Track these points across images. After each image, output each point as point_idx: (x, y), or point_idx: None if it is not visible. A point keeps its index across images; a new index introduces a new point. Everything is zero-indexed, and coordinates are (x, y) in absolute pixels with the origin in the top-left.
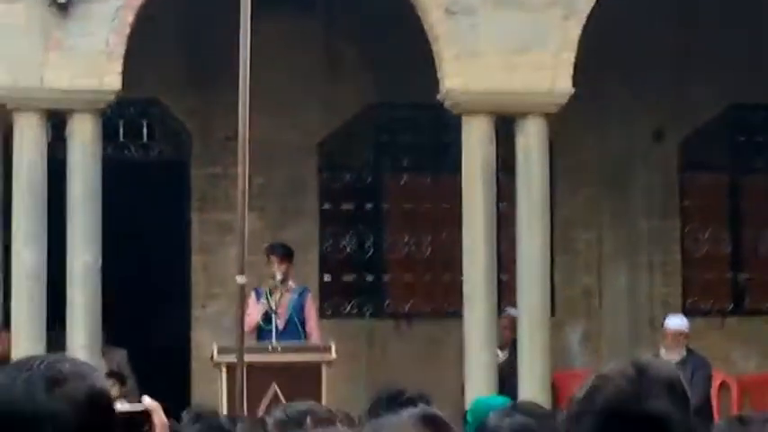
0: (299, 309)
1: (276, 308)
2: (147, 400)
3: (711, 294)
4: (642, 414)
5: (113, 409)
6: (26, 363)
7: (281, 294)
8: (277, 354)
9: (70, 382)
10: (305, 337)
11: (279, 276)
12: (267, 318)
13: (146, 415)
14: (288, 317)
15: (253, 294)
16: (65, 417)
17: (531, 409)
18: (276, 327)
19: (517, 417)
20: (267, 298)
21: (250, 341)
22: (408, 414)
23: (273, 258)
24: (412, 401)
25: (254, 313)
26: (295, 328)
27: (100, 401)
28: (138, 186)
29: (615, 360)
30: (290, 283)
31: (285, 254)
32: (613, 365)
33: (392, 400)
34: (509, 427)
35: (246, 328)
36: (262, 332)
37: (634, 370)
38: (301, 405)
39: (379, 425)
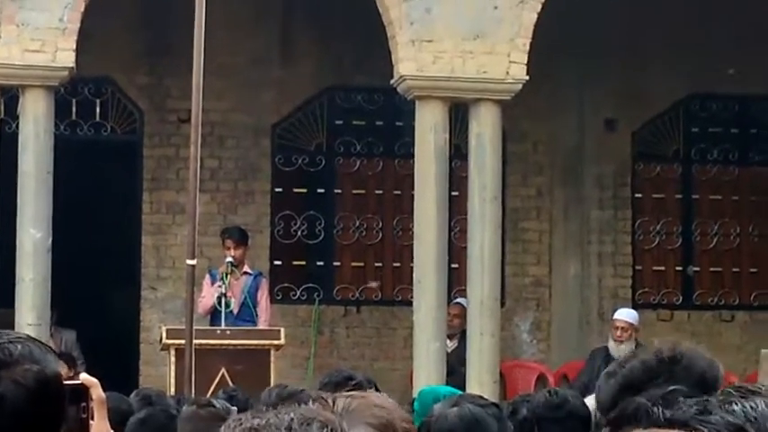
0: (254, 293)
1: (230, 291)
2: (85, 376)
3: (661, 287)
4: (653, 395)
5: (64, 394)
6: None
7: (237, 278)
8: (226, 337)
9: (20, 363)
10: (256, 321)
11: (230, 260)
12: (221, 301)
13: (84, 390)
14: (242, 300)
15: (207, 277)
16: (12, 399)
17: (477, 401)
18: (230, 310)
19: (465, 406)
20: (223, 281)
21: (203, 324)
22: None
23: (229, 242)
24: (360, 387)
25: (208, 296)
26: (249, 311)
27: (50, 386)
28: (89, 165)
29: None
30: (246, 267)
31: (240, 238)
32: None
33: (340, 385)
34: (458, 415)
35: (201, 311)
36: (215, 315)
37: (669, 353)
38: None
39: None
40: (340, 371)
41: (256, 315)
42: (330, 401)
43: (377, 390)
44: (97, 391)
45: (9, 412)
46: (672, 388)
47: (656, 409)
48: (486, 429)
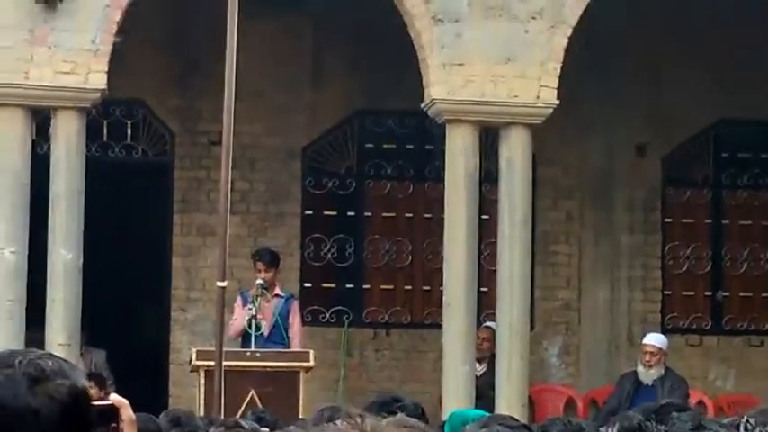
0: (285, 315)
1: (261, 313)
2: (115, 396)
3: (690, 312)
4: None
5: (93, 409)
6: (7, 359)
7: (268, 300)
8: (256, 359)
9: (52, 379)
10: (288, 343)
11: (261, 282)
12: (252, 323)
13: (114, 410)
14: (273, 323)
15: (239, 299)
16: (47, 414)
17: (507, 422)
18: (261, 332)
19: (494, 427)
20: (253, 303)
21: (233, 346)
22: (391, 419)
23: (260, 265)
24: (405, 410)
25: (240, 318)
26: (280, 334)
27: (81, 400)
28: (120, 187)
29: None
30: (277, 289)
31: (271, 260)
32: None
33: (386, 406)
34: None
35: (232, 333)
36: (246, 337)
37: None
38: None
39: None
40: (387, 393)
41: (288, 338)
42: (359, 421)
43: (423, 415)
44: (127, 412)
45: (44, 427)
46: (663, 402)
47: (650, 423)
48: None
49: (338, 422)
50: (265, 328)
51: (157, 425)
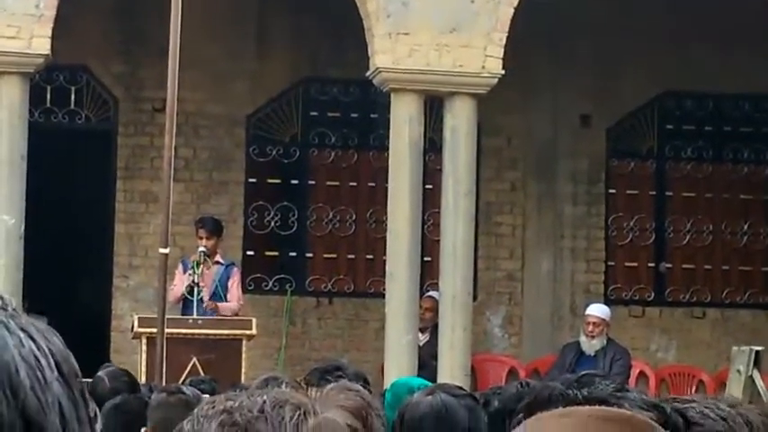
0: (225, 282)
1: (201, 281)
2: None
3: (633, 283)
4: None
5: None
6: None
7: (208, 267)
8: (198, 327)
9: None
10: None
11: (203, 249)
12: (193, 290)
13: None
14: (213, 290)
15: (180, 266)
16: None
17: (453, 390)
18: (201, 298)
19: (440, 395)
20: (194, 270)
21: (174, 312)
22: (334, 384)
23: (202, 232)
24: (346, 378)
25: (179, 285)
26: (219, 301)
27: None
28: (64, 153)
29: None
30: (218, 257)
31: (214, 228)
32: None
33: (327, 374)
34: (429, 404)
35: (171, 299)
36: (187, 304)
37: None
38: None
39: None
40: (332, 360)
41: (226, 301)
42: (304, 385)
43: (366, 383)
44: None
45: None
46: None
47: (571, 391)
48: (454, 418)
49: (283, 386)
50: (205, 295)
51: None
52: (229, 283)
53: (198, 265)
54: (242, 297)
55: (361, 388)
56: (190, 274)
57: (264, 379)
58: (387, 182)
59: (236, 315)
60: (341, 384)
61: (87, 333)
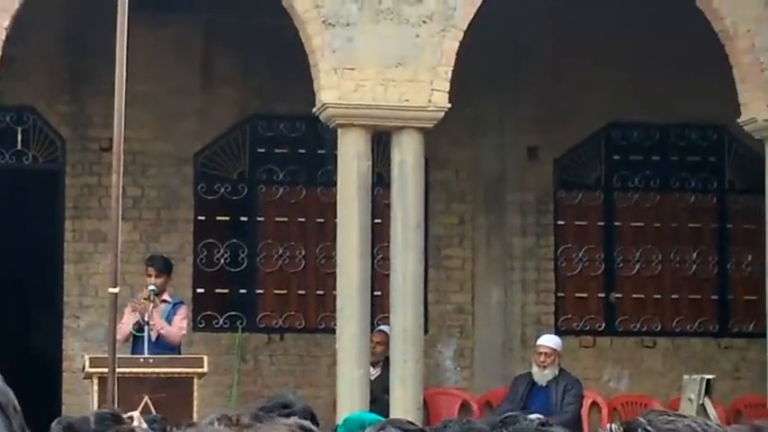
0: (171, 320)
1: (149, 319)
2: None
3: (584, 313)
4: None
5: None
6: None
7: (156, 305)
8: (149, 365)
9: None
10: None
11: (153, 287)
12: (140, 328)
13: None
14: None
15: (129, 305)
16: None
17: (404, 426)
18: (149, 338)
19: (390, 430)
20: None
21: (125, 351)
22: (284, 422)
23: (151, 270)
24: (294, 415)
25: (126, 324)
26: (164, 340)
27: None
28: (11, 193)
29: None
30: (166, 295)
31: (163, 266)
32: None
33: (273, 412)
34: None
35: (119, 337)
36: (138, 343)
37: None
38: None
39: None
40: (280, 397)
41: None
42: (235, 421)
43: (314, 419)
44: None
45: None
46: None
47: (495, 430)
48: None
49: (215, 423)
50: (153, 333)
51: None
52: (175, 318)
53: (147, 302)
54: (185, 329)
55: (295, 421)
56: (136, 309)
57: (217, 418)
58: (336, 217)
59: (179, 343)
60: (273, 418)
61: (38, 374)
